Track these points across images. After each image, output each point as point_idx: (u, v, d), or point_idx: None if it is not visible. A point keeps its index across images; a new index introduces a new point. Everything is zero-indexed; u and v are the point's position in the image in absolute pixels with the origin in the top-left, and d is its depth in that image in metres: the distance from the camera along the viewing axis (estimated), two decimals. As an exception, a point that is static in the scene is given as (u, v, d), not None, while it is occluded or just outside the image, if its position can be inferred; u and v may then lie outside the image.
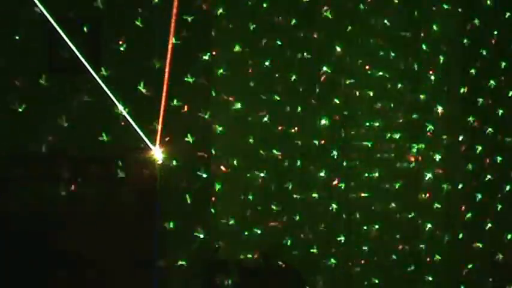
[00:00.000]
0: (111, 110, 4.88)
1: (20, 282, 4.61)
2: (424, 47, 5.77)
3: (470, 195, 5.84)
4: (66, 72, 4.97)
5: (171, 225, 4.94)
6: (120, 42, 4.98)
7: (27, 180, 4.79)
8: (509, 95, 5.91)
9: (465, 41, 5.84)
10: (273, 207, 5.40)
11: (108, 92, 4.74)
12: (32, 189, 4.77)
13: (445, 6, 5.77)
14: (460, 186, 5.82)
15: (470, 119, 5.81)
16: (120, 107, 4.76)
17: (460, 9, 5.83)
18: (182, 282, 4.96)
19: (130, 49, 5.00)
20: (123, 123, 4.88)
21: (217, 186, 5.26)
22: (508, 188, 5.84)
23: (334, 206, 5.55)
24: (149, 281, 4.75)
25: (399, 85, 5.72)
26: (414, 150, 5.79)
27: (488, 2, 5.85)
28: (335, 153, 5.57)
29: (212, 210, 5.26)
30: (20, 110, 4.85)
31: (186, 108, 5.08)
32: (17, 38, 4.90)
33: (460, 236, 5.77)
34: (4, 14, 4.95)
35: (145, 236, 4.78)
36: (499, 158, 5.80)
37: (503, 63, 5.85)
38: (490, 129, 5.85)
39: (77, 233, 4.68)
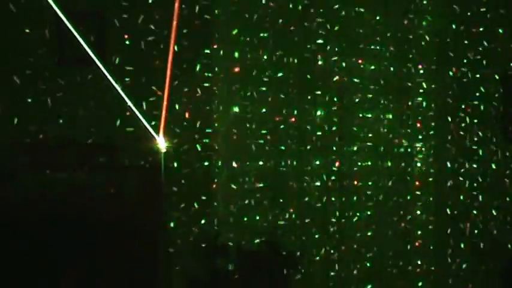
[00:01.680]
0: (118, 102, 5.01)
1: (28, 267, 4.67)
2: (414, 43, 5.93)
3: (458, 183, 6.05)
4: (74, 64, 5.08)
5: (174, 213, 5.15)
6: (126, 36, 5.14)
7: (37, 167, 4.87)
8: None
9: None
10: (270, 194, 5.53)
11: (116, 85, 4.87)
12: (41, 176, 4.86)
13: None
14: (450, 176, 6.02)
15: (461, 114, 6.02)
16: (127, 100, 4.89)
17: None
18: (185, 265, 5.12)
19: (135, 44, 5.14)
20: (128, 114, 5.03)
21: (217, 174, 5.39)
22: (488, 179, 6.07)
23: (328, 192, 5.70)
24: (154, 263, 4.89)
25: (390, 79, 5.88)
26: (404, 141, 5.95)
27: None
28: (330, 142, 5.72)
29: (212, 197, 5.37)
30: (30, 100, 5.01)
31: (188, 100, 5.25)
32: (27, 31, 5.02)
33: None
34: (14, 9, 5.02)
35: (149, 221, 4.91)
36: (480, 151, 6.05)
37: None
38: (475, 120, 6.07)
39: (84, 216, 4.76)
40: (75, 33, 4.71)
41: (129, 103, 4.92)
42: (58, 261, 4.74)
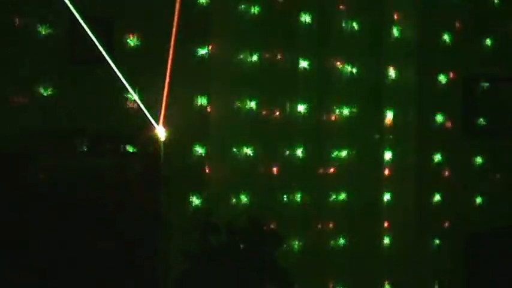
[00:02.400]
0: (123, 95, 5.44)
1: (43, 248, 4.98)
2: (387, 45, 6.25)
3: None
4: (84, 63, 5.47)
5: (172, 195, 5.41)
6: (131, 37, 5.53)
7: (52, 153, 5.17)
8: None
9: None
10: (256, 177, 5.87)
11: (124, 81, 5.21)
12: (56, 161, 5.15)
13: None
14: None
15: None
16: (133, 93, 5.25)
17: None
18: (180, 241, 5.40)
19: (140, 43, 5.54)
20: (133, 106, 5.44)
21: (210, 160, 5.72)
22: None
23: (307, 178, 6.05)
24: (153, 239, 5.16)
25: (365, 78, 6.21)
26: (376, 138, 6.30)
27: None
28: (310, 133, 6.04)
29: (206, 180, 5.71)
30: (45, 94, 5.40)
31: (185, 94, 5.60)
32: (42, 32, 5.41)
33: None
34: (29, 12, 5.41)
35: (150, 201, 5.17)
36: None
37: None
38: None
39: (93, 198, 5.06)
40: (90, 34, 5.00)
41: (135, 97, 5.26)
42: (68, 236, 5.01)
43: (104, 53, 5.23)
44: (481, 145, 6.47)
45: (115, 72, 5.32)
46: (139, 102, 5.32)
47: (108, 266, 5.11)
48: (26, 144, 5.21)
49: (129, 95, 5.43)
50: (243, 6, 5.82)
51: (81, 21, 5.06)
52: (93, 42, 5.27)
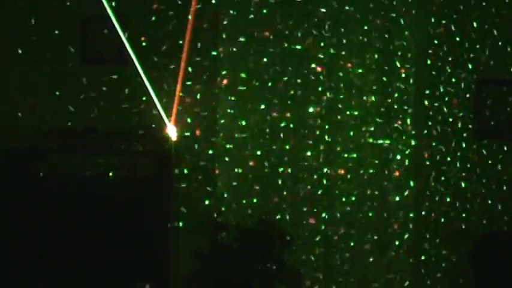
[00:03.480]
0: (134, 93, 5.50)
1: (54, 237, 5.03)
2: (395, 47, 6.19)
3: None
4: (97, 62, 5.54)
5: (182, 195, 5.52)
6: (143, 39, 5.59)
7: (63, 151, 5.22)
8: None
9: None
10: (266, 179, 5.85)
11: (146, 82, 5.20)
12: (67, 158, 5.20)
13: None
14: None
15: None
16: (152, 94, 5.21)
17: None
18: (191, 240, 5.44)
19: (151, 44, 5.58)
20: (142, 106, 5.51)
21: (220, 160, 5.74)
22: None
23: (316, 179, 6.02)
24: (163, 238, 5.22)
25: (374, 80, 6.15)
26: (386, 141, 6.22)
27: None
28: (319, 136, 6.03)
29: (216, 180, 5.72)
30: (57, 93, 5.49)
31: (196, 95, 5.64)
32: (56, 32, 5.50)
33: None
34: (44, 11, 5.50)
35: (160, 201, 5.22)
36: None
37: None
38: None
39: (103, 196, 5.13)
40: (121, 35, 5.07)
41: (154, 97, 5.24)
42: (77, 234, 5.08)
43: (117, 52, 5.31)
44: (493, 147, 6.46)
45: (127, 71, 5.39)
46: (157, 102, 5.35)
47: (118, 265, 5.15)
48: (37, 141, 5.28)
49: (142, 95, 5.47)
50: (252, 9, 5.86)
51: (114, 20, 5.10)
52: (106, 41, 5.39)
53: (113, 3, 5.32)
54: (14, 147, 5.24)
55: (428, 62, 6.32)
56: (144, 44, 5.56)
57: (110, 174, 5.23)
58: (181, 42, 5.52)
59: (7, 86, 5.46)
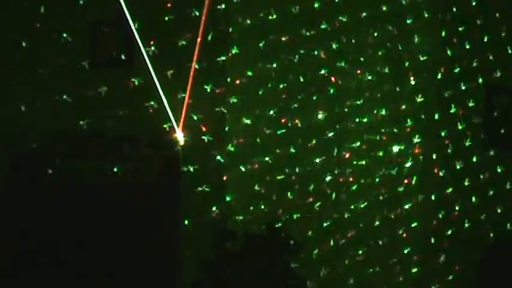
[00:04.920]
0: (142, 98, 5.46)
1: (60, 242, 4.98)
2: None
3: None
4: (104, 66, 5.50)
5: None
6: (152, 43, 5.50)
7: (70, 156, 5.17)
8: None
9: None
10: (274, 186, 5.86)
11: (158, 85, 5.26)
12: (74, 164, 5.16)
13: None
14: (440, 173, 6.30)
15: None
16: (161, 95, 5.26)
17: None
18: (199, 247, 5.40)
19: (160, 48, 5.51)
20: (151, 111, 5.47)
21: (228, 168, 5.72)
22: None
23: (325, 185, 6.04)
24: (173, 244, 5.18)
25: (384, 87, 6.19)
26: (395, 149, 6.25)
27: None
28: (328, 143, 6.04)
29: (224, 188, 5.70)
30: (65, 97, 5.42)
31: (204, 100, 5.58)
32: (64, 35, 5.44)
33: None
34: (52, 16, 5.46)
35: (168, 207, 5.17)
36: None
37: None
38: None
39: (110, 201, 5.06)
40: (136, 37, 5.08)
41: (163, 101, 5.27)
42: (86, 237, 5.02)
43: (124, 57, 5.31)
44: (503, 155, 6.43)
45: (135, 76, 5.41)
46: (166, 105, 5.36)
47: (125, 271, 5.10)
48: (45, 146, 5.25)
49: (149, 99, 5.46)
50: (262, 14, 5.85)
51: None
52: (113, 46, 5.38)
53: (123, 6, 5.31)
54: (22, 151, 5.21)
55: (439, 70, 6.32)
56: (152, 48, 5.51)
57: (118, 179, 5.20)
58: (190, 46, 5.55)
59: (15, 90, 5.43)
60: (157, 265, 5.13)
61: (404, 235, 6.27)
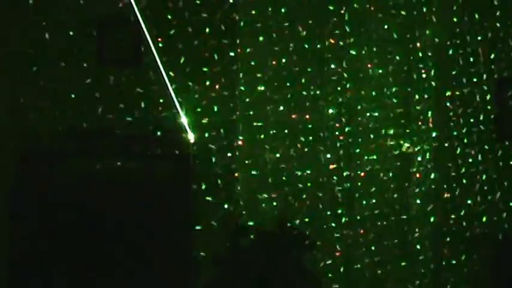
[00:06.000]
0: (152, 95, 5.44)
1: (73, 238, 5.03)
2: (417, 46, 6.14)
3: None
4: (113, 64, 5.47)
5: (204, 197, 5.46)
6: (159, 40, 5.49)
7: (80, 154, 5.22)
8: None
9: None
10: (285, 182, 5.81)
11: (169, 85, 5.26)
12: (84, 162, 5.22)
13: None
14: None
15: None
16: (173, 96, 5.24)
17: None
18: (211, 243, 5.40)
19: (167, 45, 5.50)
20: (160, 109, 5.44)
21: (239, 165, 5.69)
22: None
23: (335, 181, 5.97)
24: (185, 243, 5.22)
25: (395, 81, 6.11)
26: (406, 143, 6.16)
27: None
28: (339, 138, 5.97)
29: (235, 184, 5.64)
30: (73, 95, 5.41)
31: (214, 96, 5.58)
32: (71, 33, 5.45)
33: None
34: (58, 13, 5.45)
35: (179, 205, 5.25)
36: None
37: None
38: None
39: (122, 200, 5.12)
40: (146, 35, 5.08)
41: (174, 99, 5.26)
42: (96, 235, 5.07)
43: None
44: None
45: (144, 73, 5.39)
46: (177, 104, 5.34)
47: (137, 268, 5.12)
48: (54, 144, 5.25)
49: (160, 97, 5.44)
50: (271, 8, 5.82)
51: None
52: (122, 43, 5.35)
53: (133, 4, 5.30)
54: (31, 150, 5.20)
55: (449, 62, 6.25)
56: (160, 45, 5.49)
57: (128, 178, 5.23)
58: (198, 43, 5.54)
59: (23, 88, 5.40)
60: (170, 264, 5.17)
61: (416, 230, 6.20)
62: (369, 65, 6.10)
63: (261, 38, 5.80)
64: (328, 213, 6.02)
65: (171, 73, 5.38)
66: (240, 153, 5.74)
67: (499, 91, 6.31)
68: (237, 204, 5.69)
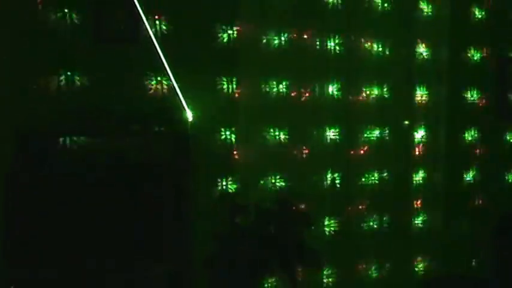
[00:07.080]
0: (149, 74, 5.42)
1: (69, 229, 4.95)
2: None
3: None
4: (111, 42, 5.40)
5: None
6: (156, 17, 5.44)
7: (79, 134, 5.16)
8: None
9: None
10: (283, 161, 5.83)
11: (165, 61, 5.19)
12: (83, 142, 5.18)
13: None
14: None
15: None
16: (169, 75, 5.20)
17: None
18: (209, 222, 5.38)
19: (168, 24, 5.46)
20: (159, 87, 5.42)
21: (239, 142, 5.69)
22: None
23: (337, 158, 6.00)
24: (181, 220, 5.14)
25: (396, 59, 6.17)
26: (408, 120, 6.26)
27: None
28: (340, 116, 6.01)
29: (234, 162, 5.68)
30: (71, 74, 5.30)
31: (213, 76, 5.59)
32: (66, 10, 5.31)
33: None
34: None
35: (178, 183, 5.14)
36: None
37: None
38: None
39: (120, 179, 5.01)
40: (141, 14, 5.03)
41: (171, 77, 5.22)
42: (94, 216, 5.00)
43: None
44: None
45: (142, 52, 5.33)
46: (174, 82, 5.30)
47: (136, 248, 5.08)
48: (50, 124, 5.18)
49: (158, 75, 5.42)
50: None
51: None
52: (120, 21, 5.30)
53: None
54: (28, 130, 5.13)
55: (453, 39, 6.29)
56: (157, 23, 5.46)
57: (126, 156, 5.17)
58: (197, 21, 5.52)
59: (18, 67, 5.32)
60: (169, 242, 5.14)
61: (417, 204, 6.27)
62: (368, 41, 6.12)
63: (258, 17, 5.78)
64: (329, 189, 6.05)
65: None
66: (239, 130, 5.74)
67: (501, 66, 6.42)
68: (235, 183, 5.71)
